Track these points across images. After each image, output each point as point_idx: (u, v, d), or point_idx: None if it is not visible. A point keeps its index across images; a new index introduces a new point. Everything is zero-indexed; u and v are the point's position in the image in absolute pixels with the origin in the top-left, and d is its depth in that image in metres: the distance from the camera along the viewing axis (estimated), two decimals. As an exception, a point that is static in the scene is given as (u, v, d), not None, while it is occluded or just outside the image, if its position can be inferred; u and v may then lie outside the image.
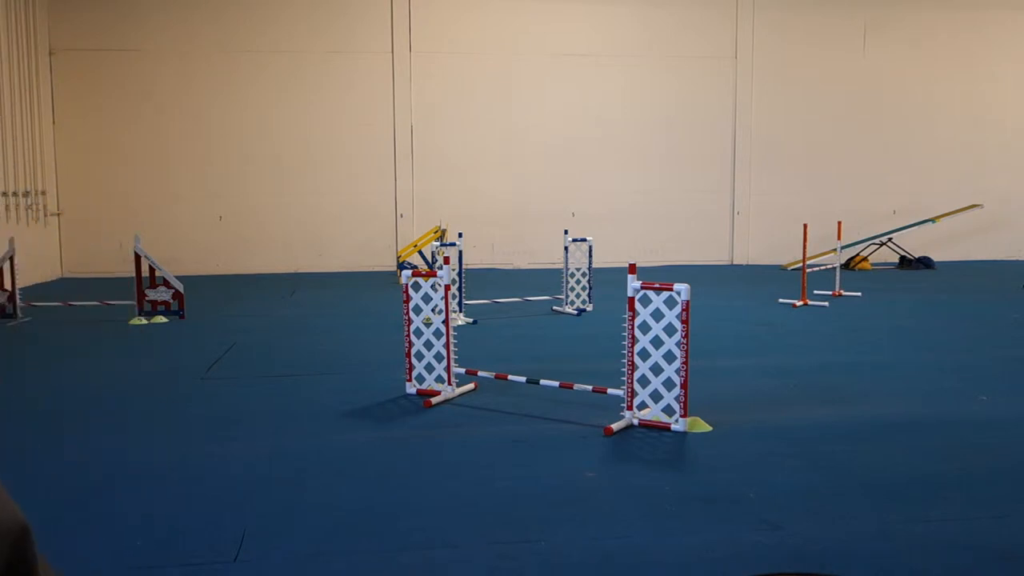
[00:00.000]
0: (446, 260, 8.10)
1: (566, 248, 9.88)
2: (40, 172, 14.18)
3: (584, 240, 9.96)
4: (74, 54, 14.77)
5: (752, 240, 16.78)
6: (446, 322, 5.75)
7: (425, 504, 3.81)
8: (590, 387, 5.45)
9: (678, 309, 4.81)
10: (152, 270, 9.56)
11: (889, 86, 16.90)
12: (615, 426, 4.91)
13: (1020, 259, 17.44)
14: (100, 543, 3.41)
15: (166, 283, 9.59)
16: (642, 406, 5.04)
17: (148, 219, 15.00)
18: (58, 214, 14.89)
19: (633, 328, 4.99)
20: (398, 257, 14.87)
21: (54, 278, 14.67)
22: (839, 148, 16.88)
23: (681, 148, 16.46)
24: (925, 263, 15.97)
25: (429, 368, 5.83)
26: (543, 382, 5.61)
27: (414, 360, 5.83)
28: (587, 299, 9.98)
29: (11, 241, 9.52)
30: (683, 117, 16.39)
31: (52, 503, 3.87)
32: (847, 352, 7.49)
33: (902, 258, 16.20)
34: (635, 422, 5.02)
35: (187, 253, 15.08)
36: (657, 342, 4.92)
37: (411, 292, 5.81)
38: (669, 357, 4.86)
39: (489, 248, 16.02)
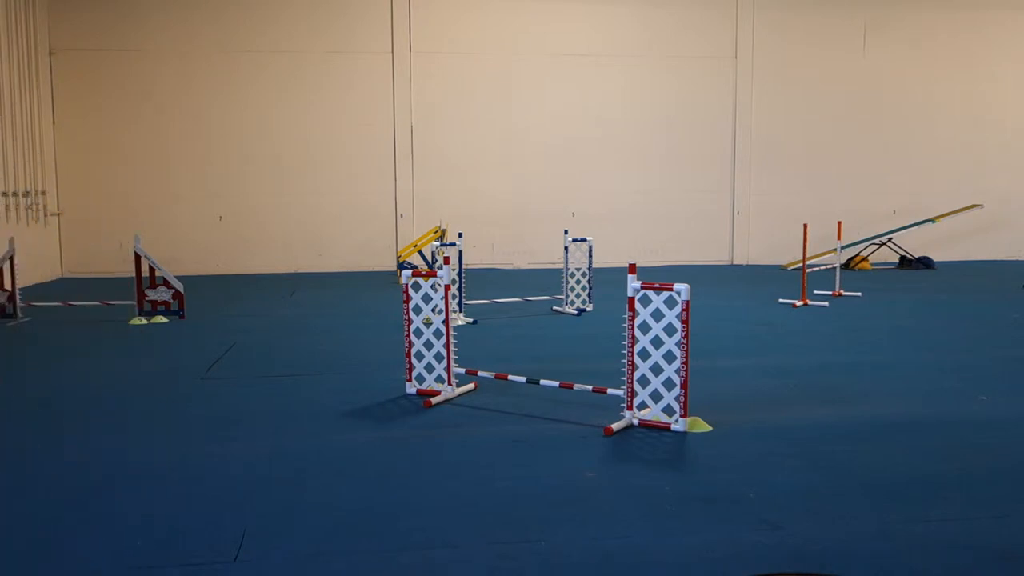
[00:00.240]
0: (446, 260, 8.10)
1: (566, 248, 9.88)
2: (40, 172, 14.18)
3: (584, 240, 9.95)
4: (74, 54, 14.77)
5: (752, 240, 16.78)
6: (446, 322, 5.75)
7: (425, 504, 3.81)
8: (590, 387, 5.45)
9: (678, 309, 4.81)
10: (152, 270, 9.56)
11: (889, 86, 16.90)
12: (615, 426, 4.91)
13: (1020, 259, 17.44)
14: (100, 543, 3.41)
15: (166, 283, 9.59)
16: (642, 406, 5.04)
17: (148, 219, 15.01)
18: (58, 214, 14.89)
19: (633, 328, 4.99)
20: (398, 257, 14.87)
21: (54, 278, 14.67)
22: (839, 148, 16.89)
23: (681, 148, 16.46)
24: (925, 263, 15.97)
25: (429, 368, 5.83)
26: (543, 382, 5.61)
27: (414, 360, 5.83)
28: (587, 299, 9.98)
29: (11, 241, 9.52)
30: (683, 117, 16.39)
31: (52, 503, 3.86)
32: (847, 352, 7.49)
33: (902, 258, 16.20)
34: (635, 422, 5.02)
35: (187, 253, 15.08)
36: (657, 342, 4.92)
37: (411, 292, 5.81)
38: (669, 357, 4.86)
39: (489, 248, 16.02)
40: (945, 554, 3.26)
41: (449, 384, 5.74)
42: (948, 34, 16.97)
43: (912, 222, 16.50)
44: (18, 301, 9.53)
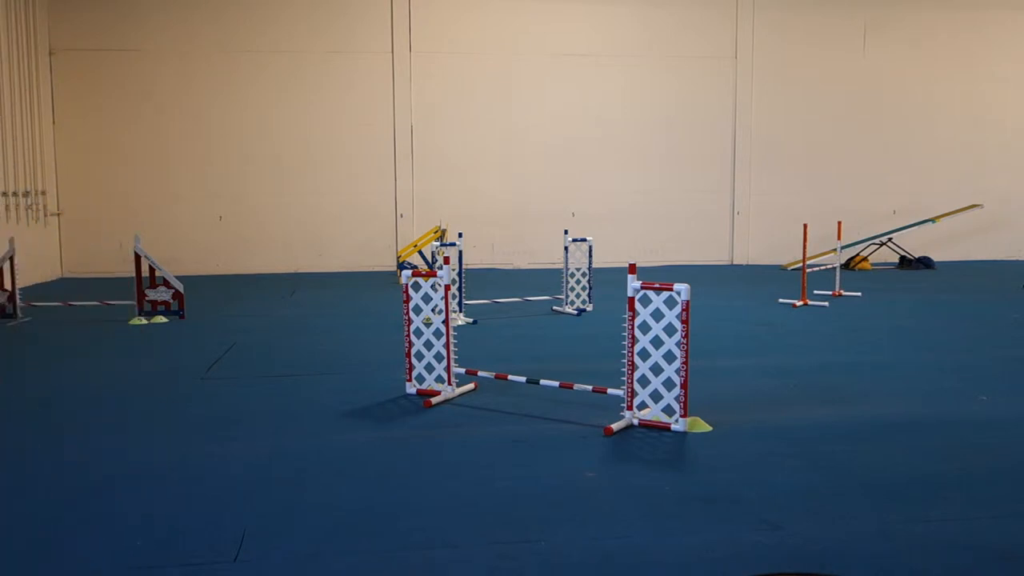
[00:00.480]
0: (446, 260, 8.10)
1: (566, 248, 9.88)
2: (40, 172, 14.19)
3: (584, 240, 9.95)
4: (74, 54, 14.77)
5: (752, 240, 16.78)
6: (446, 322, 5.75)
7: (425, 504, 3.81)
8: (590, 387, 5.45)
9: (678, 309, 4.81)
10: (152, 270, 9.56)
11: (889, 86, 16.90)
12: (615, 426, 4.91)
13: (1020, 259, 17.44)
14: (100, 543, 3.41)
15: (166, 283, 9.59)
16: (642, 406, 5.04)
17: (148, 219, 15.01)
18: (58, 214, 14.89)
19: (633, 328, 4.99)
20: (398, 257, 14.87)
21: (54, 278, 14.67)
22: (839, 148, 16.89)
23: (681, 148, 16.46)
24: (925, 263, 15.97)
25: (429, 368, 5.83)
26: (543, 382, 5.61)
27: (414, 360, 5.83)
28: (587, 299, 9.98)
29: (11, 241, 9.52)
30: (683, 117, 16.39)
31: (52, 503, 3.86)
32: (847, 352, 7.49)
33: (902, 258, 16.20)
34: (635, 422, 5.02)
35: (187, 253, 15.08)
36: (657, 342, 4.92)
37: (411, 292, 5.81)
38: (669, 357, 4.86)
39: (489, 248, 16.02)
40: (945, 554, 3.26)
41: (449, 384, 5.74)
42: (948, 34, 16.97)
43: (912, 222, 16.50)
44: (18, 301, 9.53)
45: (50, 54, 14.64)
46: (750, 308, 10.27)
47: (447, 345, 5.72)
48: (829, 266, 13.16)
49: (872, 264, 16.15)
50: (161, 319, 9.43)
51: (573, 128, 16.10)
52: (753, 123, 16.59)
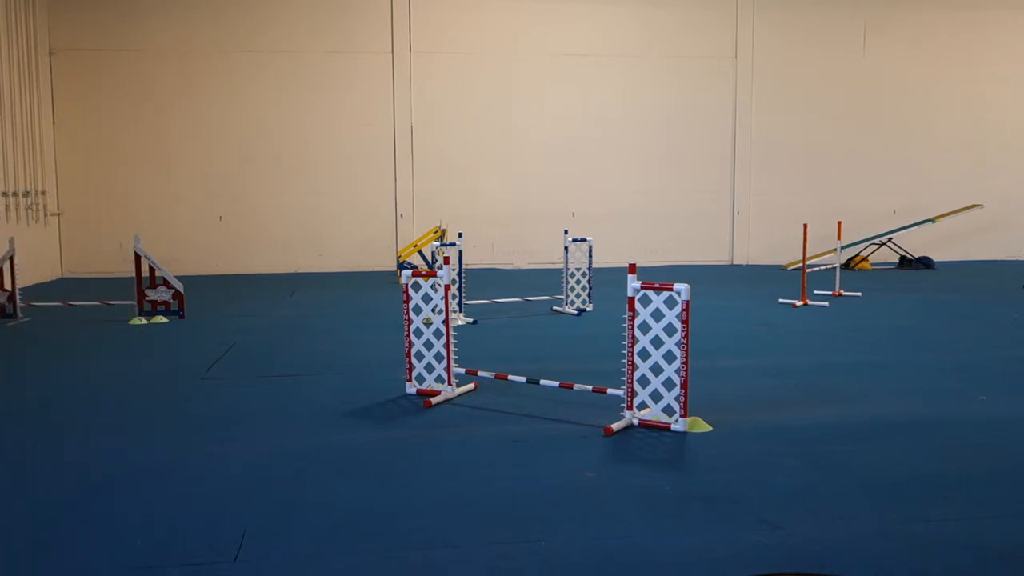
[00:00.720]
0: (446, 260, 8.10)
1: (566, 248, 9.88)
2: (40, 172, 14.19)
3: (584, 240, 9.95)
4: (74, 54, 14.77)
5: (752, 240, 16.78)
6: (446, 322, 5.75)
7: (425, 504, 3.81)
8: (590, 387, 5.45)
9: (678, 309, 4.81)
10: (152, 270, 9.56)
11: (889, 86, 16.90)
12: (615, 426, 4.91)
13: (1020, 259, 17.44)
14: (100, 543, 3.41)
15: (166, 283, 9.59)
16: (642, 406, 5.04)
17: (148, 219, 15.01)
18: (58, 214, 14.89)
19: (633, 328, 4.99)
20: (398, 257, 14.87)
21: (54, 278, 14.67)
22: (839, 148, 16.89)
23: (681, 148, 16.46)
24: (925, 263, 15.97)
25: (429, 368, 5.83)
26: (543, 382, 5.61)
27: (414, 360, 5.83)
28: (587, 299, 9.98)
29: (11, 241, 9.52)
30: (683, 117, 16.40)
31: (52, 503, 3.86)
32: (847, 352, 7.49)
33: (902, 258, 16.20)
34: (635, 422, 5.02)
35: (187, 253, 15.08)
36: (657, 342, 4.92)
37: (411, 292, 5.81)
38: (669, 357, 4.86)
39: (489, 248, 16.02)
40: (945, 554, 3.26)
41: (449, 384, 5.74)
42: (948, 34, 16.97)
43: (912, 222, 16.50)
44: (18, 301, 9.53)
45: (50, 54, 14.64)
46: (750, 308, 10.27)
47: (447, 345, 5.72)
48: (829, 266, 13.16)
49: (872, 264, 16.15)
50: (161, 319, 9.43)
51: (573, 128, 16.10)
52: (753, 123, 16.59)
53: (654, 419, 4.97)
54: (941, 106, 17.11)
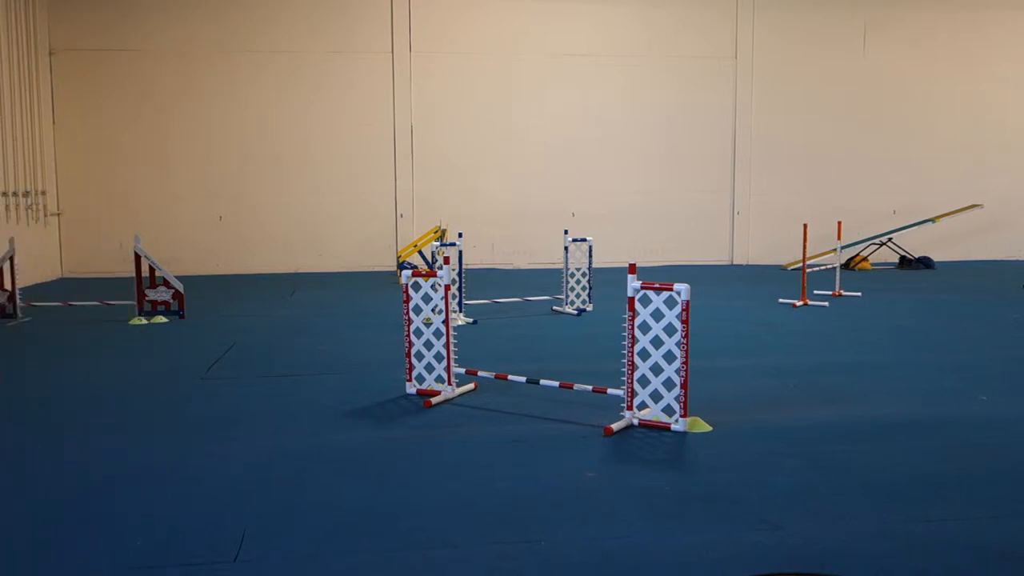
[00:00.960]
0: (446, 260, 8.10)
1: (566, 248, 9.88)
2: (40, 172, 14.19)
3: (584, 240, 9.95)
4: (74, 54, 14.77)
5: (752, 240, 16.78)
6: (446, 322, 5.75)
7: (425, 504, 3.81)
8: (590, 387, 5.45)
9: (678, 309, 4.81)
10: (152, 270, 9.56)
11: (889, 86, 16.90)
12: (615, 426, 4.91)
13: (1020, 259, 17.44)
14: (100, 543, 3.41)
15: (166, 283, 9.59)
16: (642, 406, 5.04)
17: (148, 219, 15.01)
18: (58, 214, 14.89)
19: (633, 328, 4.99)
20: (398, 257, 14.87)
21: (54, 278, 14.67)
22: (839, 148, 16.89)
23: (681, 148, 16.46)
24: (925, 263, 15.97)
25: (429, 368, 5.83)
26: (543, 382, 5.61)
27: (414, 360, 5.83)
28: (587, 299, 9.98)
29: (11, 241, 9.52)
30: (683, 117, 16.40)
31: (52, 503, 3.86)
32: (847, 352, 7.49)
33: (902, 258, 16.20)
34: (635, 422, 5.02)
35: (187, 253, 15.08)
36: (657, 342, 4.92)
37: (411, 292, 5.81)
38: (669, 357, 4.86)
39: (489, 248, 16.02)
40: (945, 554, 3.26)
41: (449, 384, 5.74)
42: (948, 34, 16.97)
43: (912, 222, 16.50)
44: (18, 301, 9.53)
45: (50, 54, 14.64)
46: (750, 308, 10.27)
47: (447, 345, 5.72)
48: (829, 266, 13.16)
49: (872, 264, 16.15)
50: (161, 319, 9.43)
51: (573, 128, 16.10)
52: (753, 123, 16.59)
53: (654, 419, 4.97)
54: (941, 106, 17.11)
